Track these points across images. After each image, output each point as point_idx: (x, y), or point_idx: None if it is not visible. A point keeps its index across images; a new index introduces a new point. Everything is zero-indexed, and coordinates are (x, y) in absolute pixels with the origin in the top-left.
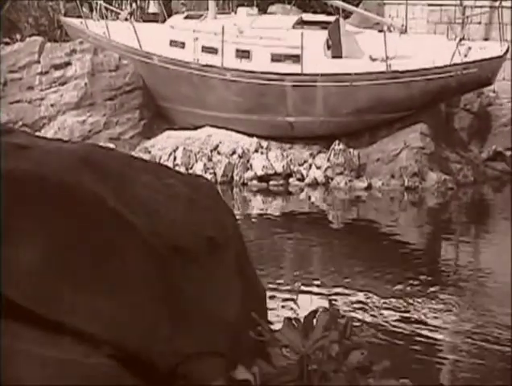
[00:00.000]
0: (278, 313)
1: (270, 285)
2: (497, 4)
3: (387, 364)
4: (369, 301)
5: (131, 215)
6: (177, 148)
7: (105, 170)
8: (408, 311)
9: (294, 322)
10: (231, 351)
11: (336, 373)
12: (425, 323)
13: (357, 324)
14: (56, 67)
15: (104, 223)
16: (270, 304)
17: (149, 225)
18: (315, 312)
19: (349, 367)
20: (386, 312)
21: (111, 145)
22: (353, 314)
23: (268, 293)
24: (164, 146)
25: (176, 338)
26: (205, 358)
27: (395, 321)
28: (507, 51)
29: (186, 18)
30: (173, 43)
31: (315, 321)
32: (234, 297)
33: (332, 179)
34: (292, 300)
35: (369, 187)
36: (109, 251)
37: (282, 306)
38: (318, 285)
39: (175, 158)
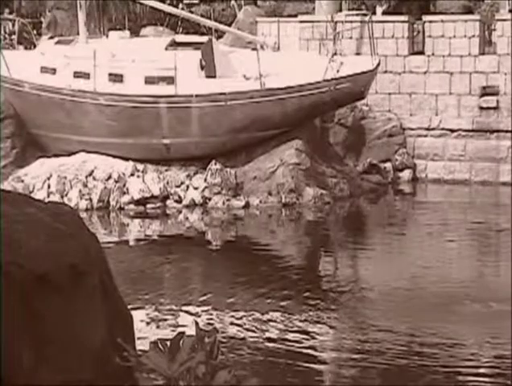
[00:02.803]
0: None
1: (149, 308)
2: (367, 19)
3: (255, 382)
4: (245, 319)
5: None
6: (51, 175)
7: None
8: (286, 326)
9: (160, 345)
10: (98, 379)
11: None
12: (301, 333)
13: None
14: None
15: None
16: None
17: (9, 255)
18: (181, 334)
19: None
20: (263, 327)
21: None
22: (228, 332)
23: (148, 316)
24: (38, 174)
25: (40, 368)
26: None
27: (272, 336)
28: (378, 64)
29: (57, 43)
30: (44, 70)
31: (181, 343)
32: (99, 323)
33: (209, 199)
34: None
35: (246, 206)
36: None
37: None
38: (194, 306)
39: (49, 186)
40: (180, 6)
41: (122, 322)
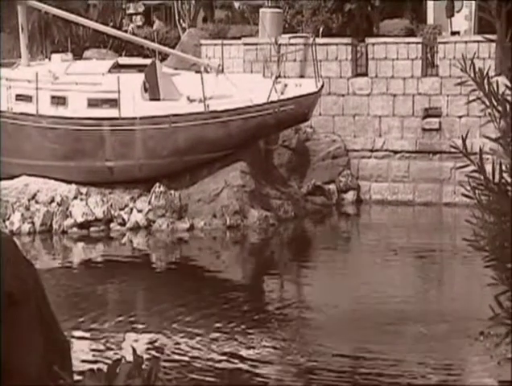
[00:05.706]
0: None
1: (90, 333)
2: (310, 41)
3: None
4: (187, 342)
5: None
6: None
7: None
8: (229, 348)
9: (96, 372)
10: None
11: None
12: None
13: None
14: None
15: None
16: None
17: None
18: (118, 360)
19: None
20: (205, 351)
21: None
22: (169, 356)
23: (88, 341)
24: None
25: None
26: None
27: (217, 360)
28: (322, 86)
29: None
30: None
31: (118, 370)
32: (35, 351)
33: (153, 222)
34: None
35: (191, 228)
36: None
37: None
38: (137, 329)
39: None
40: (123, 28)
41: (59, 349)
